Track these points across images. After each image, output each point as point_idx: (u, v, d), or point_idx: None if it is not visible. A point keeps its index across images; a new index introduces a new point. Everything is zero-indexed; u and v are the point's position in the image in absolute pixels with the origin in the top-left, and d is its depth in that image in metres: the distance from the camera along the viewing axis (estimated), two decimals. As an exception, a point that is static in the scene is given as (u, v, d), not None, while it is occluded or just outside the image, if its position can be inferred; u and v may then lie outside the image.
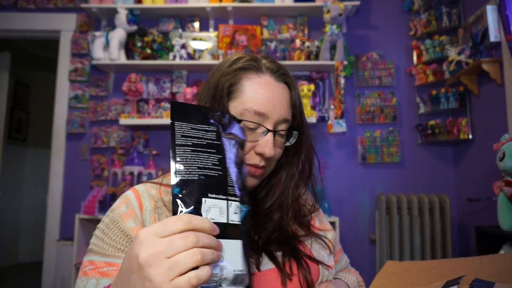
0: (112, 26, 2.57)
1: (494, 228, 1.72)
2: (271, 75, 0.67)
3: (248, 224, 0.52)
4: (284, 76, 0.69)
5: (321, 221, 0.79)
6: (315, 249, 0.70)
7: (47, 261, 2.56)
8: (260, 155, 0.64)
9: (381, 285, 0.69)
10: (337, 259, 0.81)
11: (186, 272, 0.39)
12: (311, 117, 2.40)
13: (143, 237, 0.41)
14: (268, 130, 0.64)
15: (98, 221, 2.27)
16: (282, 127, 0.67)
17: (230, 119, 0.58)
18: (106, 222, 0.64)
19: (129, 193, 0.66)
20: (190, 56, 2.58)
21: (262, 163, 0.65)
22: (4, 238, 4.25)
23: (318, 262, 0.68)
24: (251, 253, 0.63)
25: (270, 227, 0.68)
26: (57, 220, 2.59)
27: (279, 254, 0.65)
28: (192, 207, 0.46)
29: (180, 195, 0.46)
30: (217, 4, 2.55)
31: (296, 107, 0.70)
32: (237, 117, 0.62)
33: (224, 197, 0.49)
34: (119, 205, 0.64)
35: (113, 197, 2.35)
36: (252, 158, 0.65)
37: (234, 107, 0.64)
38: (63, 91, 2.70)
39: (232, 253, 0.47)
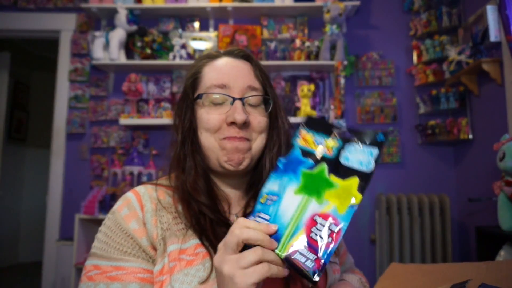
0: (112, 26, 2.57)
1: (494, 228, 1.71)
2: (228, 56, 0.70)
3: None
4: (241, 53, 0.71)
5: None
6: None
7: (47, 261, 2.55)
8: (233, 124, 0.64)
9: (386, 287, 0.69)
10: (342, 261, 0.81)
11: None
12: (311, 117, 2.39)
13: None
14: (234, 99, 0.65)
15: (98, 221, 2.28)
16: (251, 95, 0.67)
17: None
18: (108, 225, 0.63)
19: (130, 195, 0.66)
20: (190, 56, 2.58)
21: (240, 134, 0.64)
22: (4, 238, 4.25)
23: None
24: None
25: None
26: (57, 220, 2.58)
27: None
28: None
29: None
30: (217, 4, 2.55)
31: (260, 78, 0.70)
32: (203, 94, 0.66)
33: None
34: (120, 207, 0.64)
35: (113, 197, 2.35)
36: (227, 131, 0.65)
37: (199, 92, 0.68)
38: (63, 91, 2.69)
39: None
